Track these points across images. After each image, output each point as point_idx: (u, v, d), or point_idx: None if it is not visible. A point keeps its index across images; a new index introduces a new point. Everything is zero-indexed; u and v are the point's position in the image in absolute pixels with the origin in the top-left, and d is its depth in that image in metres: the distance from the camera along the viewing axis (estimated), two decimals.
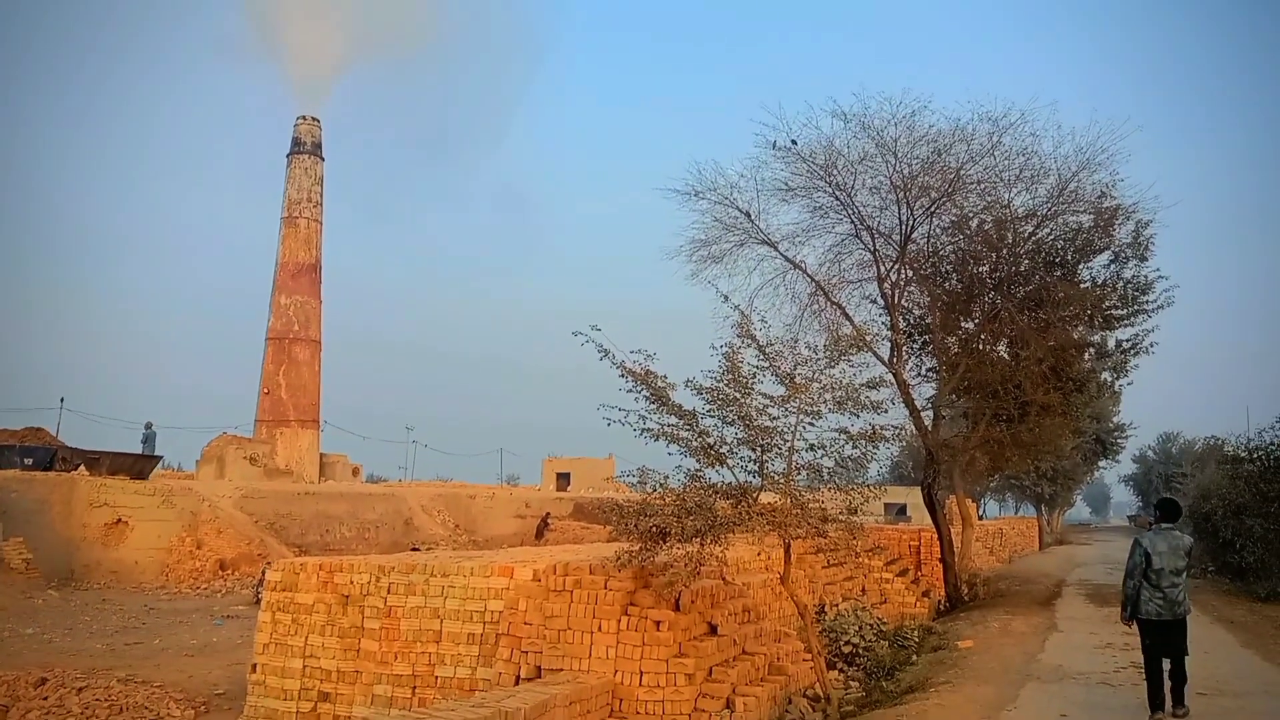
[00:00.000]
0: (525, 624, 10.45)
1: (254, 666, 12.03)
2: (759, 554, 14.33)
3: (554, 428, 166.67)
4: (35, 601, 22.03)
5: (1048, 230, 19.74)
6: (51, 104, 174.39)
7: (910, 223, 19.99)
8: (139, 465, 32.96)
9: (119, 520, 27.48)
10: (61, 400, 47.58)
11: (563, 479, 61.25)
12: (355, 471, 58.80)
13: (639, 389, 10.73)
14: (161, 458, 37.79)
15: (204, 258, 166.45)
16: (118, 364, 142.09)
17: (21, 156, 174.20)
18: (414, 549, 28.31)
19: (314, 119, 63.95)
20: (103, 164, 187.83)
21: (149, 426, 36.15)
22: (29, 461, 30.04)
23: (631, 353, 10.85)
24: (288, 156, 63.08)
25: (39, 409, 62.72)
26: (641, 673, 9.57)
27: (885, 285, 20.83)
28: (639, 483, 10.83)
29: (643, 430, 10.70)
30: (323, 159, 63.70)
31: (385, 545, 32.92)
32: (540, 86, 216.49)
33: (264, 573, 23.00)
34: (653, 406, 10.74)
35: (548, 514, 43.03)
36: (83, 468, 30.31)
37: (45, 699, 12.89)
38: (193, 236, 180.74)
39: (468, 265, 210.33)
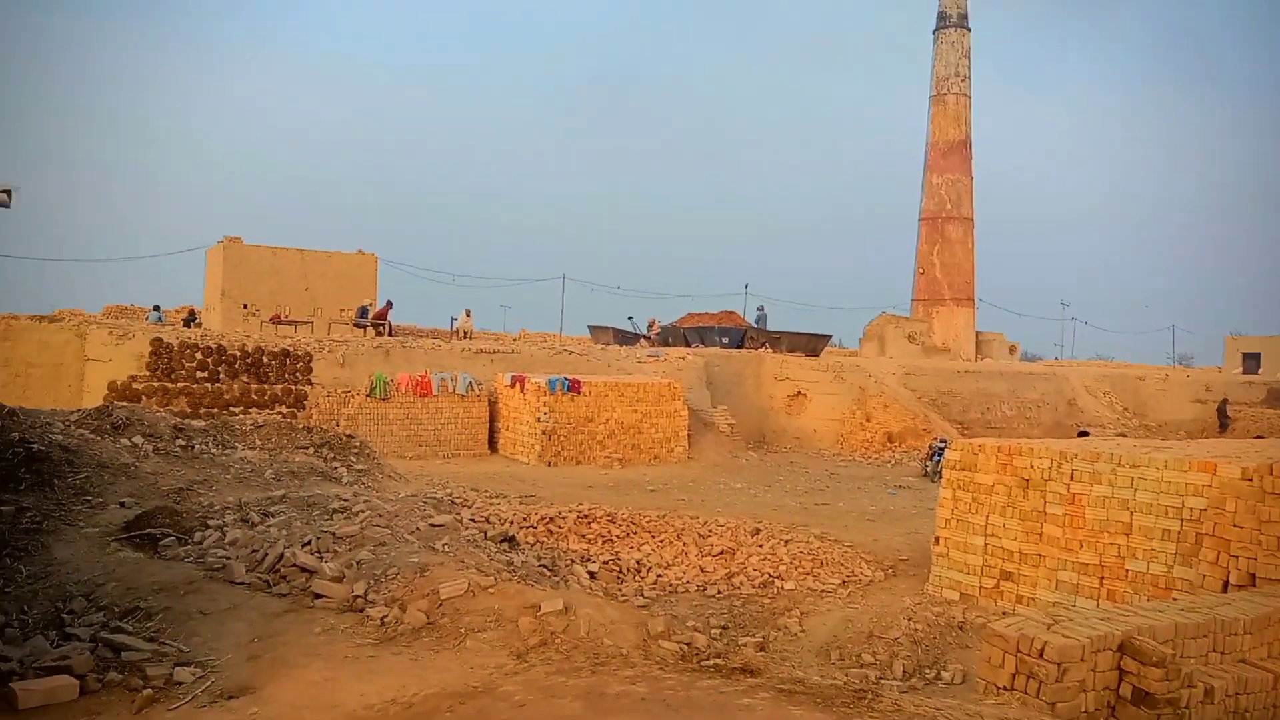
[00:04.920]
0: (1234, 526, 9.48)
1: (937, 539, 12.73)
2: None
3: (1239, 303, 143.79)
4: (739, 460, 25.83)
5: None
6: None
7: None
8: (813, 343, 36.29)
9: (798, 393, 30.79)
10: (746, 285, 54.28)
11: (1250, 360, 53.27)
12: (1012, 349, 57.72)
13: None
14: (831, 336, 41.05)
15: (853, 142, 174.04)
16: (786, 249, 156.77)
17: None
18: (1083, 432, 27.23)
19: None
20: (758, 60, 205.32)
21: (761, 309, 39.47)
22: (725, 340, 34.90)
23: None
24: (934, 32, 62.28)
25: (728, 294, 72.20)
26: None
27: None
28: None
29: None
30: (969, 30, 61.75)
31: (1048, 425, 32.14)
32: None
33: (932, 447, 24.13)
34: None
35: (1225, 399, 38.12)
36: (767, 346, 34.35)
37: (760, 546, 15.11)
38: (842, 123, 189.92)
39: (1125, 119, 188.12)
